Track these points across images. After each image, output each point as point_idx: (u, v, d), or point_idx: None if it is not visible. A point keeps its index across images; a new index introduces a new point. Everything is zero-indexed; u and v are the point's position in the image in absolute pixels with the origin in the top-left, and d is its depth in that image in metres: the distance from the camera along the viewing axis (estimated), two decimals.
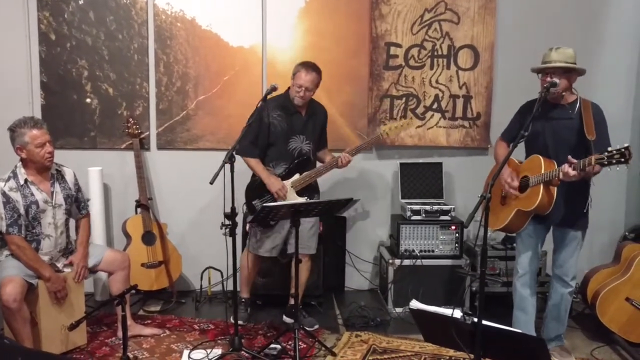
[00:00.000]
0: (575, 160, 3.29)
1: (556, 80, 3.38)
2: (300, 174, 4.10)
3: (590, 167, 3.24)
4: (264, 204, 3.40)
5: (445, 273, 4.53)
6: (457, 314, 2.75)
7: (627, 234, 4.91)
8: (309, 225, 4.12)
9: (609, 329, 4.01)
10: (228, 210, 3.60)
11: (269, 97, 3.79)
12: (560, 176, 3.35)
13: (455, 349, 2.90)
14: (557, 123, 3.57)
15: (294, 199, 4.06)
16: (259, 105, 3.77)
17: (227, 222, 3.60)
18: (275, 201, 4.02)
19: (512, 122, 3.87)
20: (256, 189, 4.10)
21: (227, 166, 3.53)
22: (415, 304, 2.92)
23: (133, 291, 3.59)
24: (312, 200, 3.50)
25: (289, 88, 4.08)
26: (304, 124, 4.09)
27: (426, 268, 4.51)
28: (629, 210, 5.01)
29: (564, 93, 3.54)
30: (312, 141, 4.16)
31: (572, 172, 3.29)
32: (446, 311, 2.83)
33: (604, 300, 4.01)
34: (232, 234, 3.58)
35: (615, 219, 5.00)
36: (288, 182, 4.07)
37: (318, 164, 4.24)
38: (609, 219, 4.94)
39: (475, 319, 2.68)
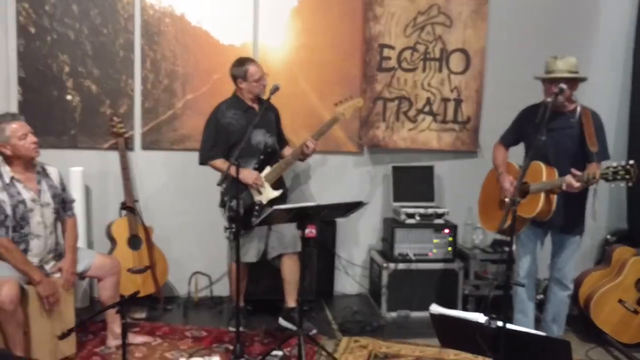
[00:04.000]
0: (579, 173, 3.31)
1: (563, 85, 3.40)
2: (271, 167, 4.04)
3: (594, 179, 3.26)
4: (275, 207, 3.29)
5: (439, 277, 4.52)
6: (482, 318, 2.72)
7: (609, 237, 5.04)
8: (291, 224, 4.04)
9: (599, 331, 4.08)
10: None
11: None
12: (564, 187, 3.37)
13: (476, 353, 2.88)
14: (558, 132, 3.58)
15: (269, 192, 3.99)
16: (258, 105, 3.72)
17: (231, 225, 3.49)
18: (252, 196, 3.95)
19: (512, 127, 3.89)
20: (229, 189, 3.96)
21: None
22: (435, 308, 2.88)
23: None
24: (320, 204, 3.42)
25: (235, 91, 4.06)
26: (260, 118, 3.98)
27: (419, 272, 4.49)
28: (611, 214, 5.12)
29: (566, 101, 3.57)
30: (273, 134, 4.12)
31: (576, 184, 3.31)
32: (468, 315, 2.80)
33: (598, 303, 4.07)
34: (237, 237, 3.47)
35: (598, 222, 5.07)
36: (261, 175, 4.00)
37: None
38: (591, 222, 5.01)
39: (500, 323, 2.66)
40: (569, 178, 3.33)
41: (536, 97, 3.72)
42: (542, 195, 3.48)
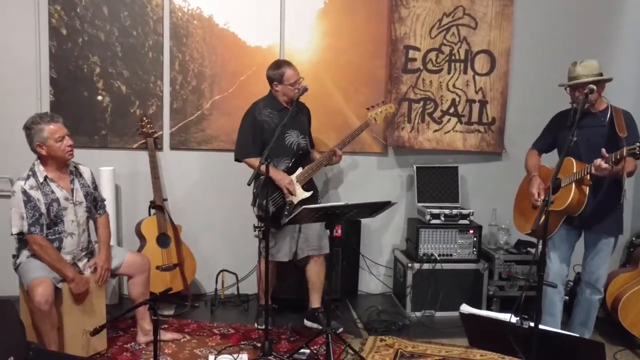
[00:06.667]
0: (607, 155, 3.33)
1: (593, 86, 3.39)
2: (303, 168, 4.08)
3: (622, 160, 3.26)
4: (304, 206, 3.33)
5: (463, 277, 4.54)
6: (513, 318, 2.74)
7: (634, 239, 5.02)
8: (318, 225, 4.06)
9: (627, 333, 4.07)
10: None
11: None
12: (593, 170, 3.37)
13: (506, 353, 2.89)
14: (589, 130, 3.59)
15: (300, 193, 4.03)
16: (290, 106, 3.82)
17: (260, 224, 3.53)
18: (284, 198, 3.99)
19: (544, 133, 3.92)
20: (262, 188, 3.99)
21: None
22: (465, 308, 2.91)
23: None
24: (349, 203, 3.45)
25: (270, 91, 4.10)
26: (294, 119, 4.04)
27: (444, 272, 4.51)
28: (635, 216, 5.10)
29: (594, 102, 3.58)
30: (306, 135, 4.16)
31: (604, 165, 3.31)
32: (499, 315, 2.82)
33: (626, 305, 4.06)
34: (266, 236, 3.51)
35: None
36: (293, 177, 4.04)
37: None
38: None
39: (532, 324, 2.68)
40: (597, 160, 3.34)
41: (561, 98, 3.75)
42: (574, 186, 3.49)
